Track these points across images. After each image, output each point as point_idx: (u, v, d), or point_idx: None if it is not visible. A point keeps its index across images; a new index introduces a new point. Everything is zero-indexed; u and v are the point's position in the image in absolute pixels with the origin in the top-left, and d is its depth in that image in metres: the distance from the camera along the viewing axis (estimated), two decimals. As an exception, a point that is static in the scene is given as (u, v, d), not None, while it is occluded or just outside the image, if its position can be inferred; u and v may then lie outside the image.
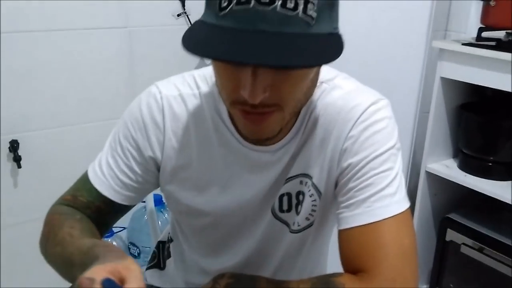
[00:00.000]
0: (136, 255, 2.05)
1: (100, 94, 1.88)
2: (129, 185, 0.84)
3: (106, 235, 1.93)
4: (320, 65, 0.63)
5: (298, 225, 0.86)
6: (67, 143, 1.85)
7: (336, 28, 0.65)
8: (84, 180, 0.85)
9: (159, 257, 1.09)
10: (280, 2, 0.57)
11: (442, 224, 1.71)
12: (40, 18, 1.70)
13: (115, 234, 2.00)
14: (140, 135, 0.82)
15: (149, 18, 1.94)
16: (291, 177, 0.82)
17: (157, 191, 0.94)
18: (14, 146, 1.72)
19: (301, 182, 0.82)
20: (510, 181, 1.58)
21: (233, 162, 0.82)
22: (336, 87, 0.79)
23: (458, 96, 1.68)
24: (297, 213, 0.85)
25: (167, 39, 2.00)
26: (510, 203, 1.46)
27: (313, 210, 0.84)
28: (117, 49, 1.89)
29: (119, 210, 0.87)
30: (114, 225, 1.97)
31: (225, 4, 0.59)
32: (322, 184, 0.81)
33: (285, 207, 0.84)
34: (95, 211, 0.84)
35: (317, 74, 0.71)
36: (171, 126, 0.81)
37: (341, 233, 0.76)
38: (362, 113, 0.76)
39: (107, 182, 0.83)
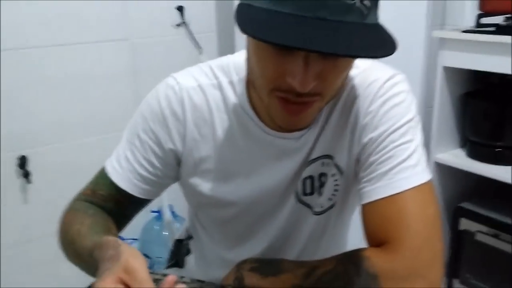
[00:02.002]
0: (149, 266, 2.04)
1: (105, 107, 1.90)
2: (148, 178, 0.83)
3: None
4: (387, 55, 0.60)
5: (321, 207, 0.86)
6: (75, 157, 1.86)
7: (378, 18, 0.66)
8: (102, 175, 0.85)
9: (177, 256, 1.09)
10: None
11: (455, 213, 1.70)
12: (44, 34, 1.72)
13: (127, 246, 1.99)
14: (160, 128, 0.81)
15: (150, 29, 1.98)
16: (313, 159, 0.82)
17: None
18: (23, 162, 1.73)
19: (323, 164, 0.82)
20: (520, 165, 1.58)
21: (257, 151, 0.82)
22: (352, 67, 0.81)
23: (462, 84, 1.69)
24: (320, 194, 0.85)
25: (168, 49, 2.04)
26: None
27: (335, 190, 0.85)
28: (120, 61, 1.92)
29: (138, 203, 0.86)
30: (126, 237, 1.99)
31: None
32: (344, 162, 0.82)
33: (308, 190, 0.84)
34: (115, 204, 0.84)
35: None
36: (191, 117, 0.81)
37: (364, 207, 0.75)
38: (380, 88, 0.77)
39: (126, 176, 0.83)
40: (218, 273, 0.92)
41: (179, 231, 1.46)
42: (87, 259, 0.70)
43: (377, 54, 0.59)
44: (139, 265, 0.59)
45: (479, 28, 1.52)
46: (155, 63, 2.00)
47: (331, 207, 0.87)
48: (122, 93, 1.94)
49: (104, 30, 1.85)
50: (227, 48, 2.14)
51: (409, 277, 0.68)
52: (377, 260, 0.69)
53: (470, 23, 1.61)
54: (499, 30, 1.49)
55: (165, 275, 0.84)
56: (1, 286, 1.76)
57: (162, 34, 2.01)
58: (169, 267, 1.10)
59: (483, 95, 1.66)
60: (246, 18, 0.60)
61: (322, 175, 0.84)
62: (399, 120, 0.75)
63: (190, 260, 1.04)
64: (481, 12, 1.53)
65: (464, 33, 1.52)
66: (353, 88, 0.79)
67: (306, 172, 0.83)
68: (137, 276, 0.58)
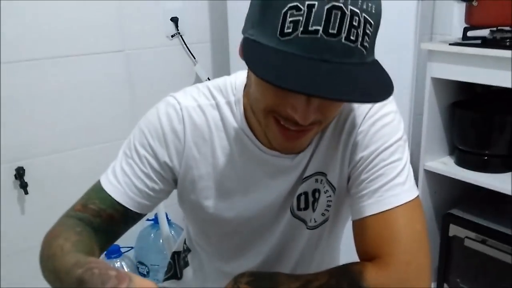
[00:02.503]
0: (145, 273, 2.06)
1: (102, 117, 1.93)
2: (145, 192, 0.84)
3: (114, 255, 1.96)
4: (385, 99, 0.64)
5: (315, 221, 0.89)
6: (72, 167, 1.88)
7: (374, 54, 0.69)
8: (97, 189, 0.84)
9: (175, 268, 1.11)
10: (345, 35, 0.60)
11: (444, 220, 1.74)
12: (39, 47, 1.74)
13: (123, 254, 2.02)
14: (158, 144, 0.83)
15: (145, 40, 2.00)
16: (307, 176, 0.85)
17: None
18: (20, 173, 1.75)
19: (316, 180, 0.86)
20: (506, 173, 1.62)
21: (254, 169, 0.84)
22: None
23: (450, 94, 1.74)
24: (314, 210, 0.88)
25: (163, 60, 2.06)
26: (509, 194, 1.50)
27: (328, 206, 0.88)
28: (116, 72, 1.94)
29: (131, 219, 0.85)
30: (121, 246, 2.00)
31: (289, 30, 0.60)
32: (336, 179, 0.85)
33: (302, 205, 0.88)
34: (106, 219, 0.82)
35: None
36: (191, 136, 0.83)
37: (355, 223, 0.79)
38: (370, 108, 0.81)
39: (122, 190, 0.83)
40: (215, 285, 0.95)
41: (174, 239, 1.49)
42: (63, 277, 0.65)
43: (377, 99, 0.63)
44: None
45: (466, 41, 1.56)
46: (150, 73, 2.03)
47: (324, 221, 0.90)
48: (117, 103, 1.96)
49: (99, 42, 1.87)
50: (221, 58, 2.17)
51: None
52: (369, 275, 0.72)
53: (458, 30, 1.65)
54: (485, 43, 1.53)
55: (164, 288, 0.87)
56: (0, 296, 1.77)
57: (157, 45, 2.03)
58: (167, 279, 1.12)
59: (470, 105, 1.71)
60: (256, 58, 0.62)
61: (316, 191, 0.87)
62: (388, 140, 0.79)
63: (188, 272, 1.07)
64: (468, 26, 1.57)
65: (451, 46, 1.56)
66: (344, 108, 0.82)
67: (301, 189, 0.86)
68: None
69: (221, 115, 0.84)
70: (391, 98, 0.82)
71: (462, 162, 1.72)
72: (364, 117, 0.81)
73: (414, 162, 1.86)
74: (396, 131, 0.80)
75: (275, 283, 0.78)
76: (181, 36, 2.08)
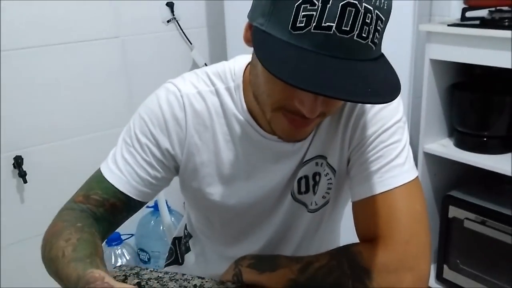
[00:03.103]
0: (146, 260, 2.08)
1: (98, 104, 1.92)
2: (147, 180, 0.84)
3: (115, 243, 1.96)
4: (391, 100, 0.63)
5: (316, 204, 0.90)
6: (70, 155, 1.88)
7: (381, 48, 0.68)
8: (98, 179, 0.84)
9: (176, 253, 1.12)
10: (357, 32, 0.59)
11: (444, 202, 1.75)
12: (35, 35, 1.73)
13: (123, 241, 2.03)
14: (160, 131, 0.82)
15: (140, 26, 1.99)
16: (307, 160, 0.85)
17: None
18: (18, 162, 1.75)
19: (316, 164, 0.86)
20: (505, 154, 1.62)
21: (256, 154, 0.84)
22: None
23: (448, 76, 1.73)
24: (314, 193, 0.88)
25: (159, 46, 2.05)
26: (509, 174, 1.50)
27: (328, 189, 0.88)
28: (112, 59, 1.93)
29: (133, 207, 0.86)
30: (122, 233, 2.01)
31: (302, 24, 0.59)
32: (336, 162, 0.85)
33: (303, 189, 0.88)
34: (108, 208, 0.83)
35: None
36: (192, 123, 0.83)
37: (355, 205, 0.79)
38: None
39: (124, 178, 0.82)
40: (217, 270, 0.96)
41: (174, 225, 1.49)
42: (66, 284, 0.70)
43: (386, 99, 0.61)
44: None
45: (464, 22, 1.55)
46: (146, 60, 2.02)
47: (324, 204, 0.90)
48: (114, 90, 1.95)
49: (95, 29, 1.86)
50: (217, 43, 2.16)
51: (399, 270, 0.72)
52: (368, 255, 0.73)
53: (457, 11, 1.64)
54: (483, 23, 1.52)
55: (166, 272, 0.87)
56: (1, 285, 1.78)
57: (153, 31, 2.02)
58: (168, 264, 1.13)
59: (469, 87, 1.70)
60: (267, 53, 0.61)
61: (316, 174, 0.87)
62: (388, 121, 0.79)
63: (189, 257, 1.07)
64: (466, 6, 1.56)
65: (449, 27, 1.55)
66: None
67: (301, 173, 0.86)
68: None
69: (221, 101, 0.83)
70: None
71: (461, 143, 1.72)
72: None
73: (414, 145, 1.86)
74: (395, 112, 0.80)
75: (275, 265, 0.79)
76: (177, 21, 2.06)
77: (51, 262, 0.75)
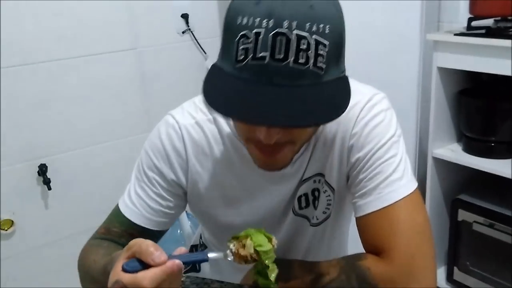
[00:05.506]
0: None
1: (117, 113, 1.99)
2: (160, 211, 0.89)
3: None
4: (330, 121, 0.68)
5: (317, 219, 0.94)
6: (91, 162, 1.95)
7: (343, 71, 0.70)
8: (116, 213, 0.90)
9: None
10: (292, 58, 0.62)
11: (453, 205, 1.78)
12: (59, 48, 1.81)
13: (143, 245, 2.08)
14: (163, 164, 0.87)
15: (156, 38, 2.05)
16: (306, 178, 0.89)
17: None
18: (42, 169, 1.82)
19: (315, 181, 0.90)
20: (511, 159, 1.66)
21: (256, 177, 0.88)
22: None
23: (456, 83, 1.76)
24: (315, 208, 0.92)
25: (175, 56, 2.11)
26: (515, 179, 1.54)
27: (328, 204, 0.92)
28: (129, 70, 2.00)
29: (153, 236, 0.89)
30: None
31: (242, 57, 0.64)
32: (334, 180, 0.89)
33: (303, 204, 0.92)
34: (129, 238, 0.86)
35: None
36: (192, 152, 0.87)
37: (358, 220, 0.83)
38: (361, 111, 0.83)
39: (138, 212, 0.88)
40: (231, 280, 1.01)
41: (192, 231, 1.55)
42: (101, 279, 0.73)
43: (321, 121, 0.66)
44: (141, 239, 0.62)
45: (470, 31, 1.59)
46: (163, 69, 2.08)
47: (326, 219, 0.94)
48: (132, 100, 2.02)
49: (112, 41, 1.93)
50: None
51: (406, 284, 0.75)
52: (376, 271, 0.76)
53: (465, 18, 1.67)
54: (489, 32, 1.56)
55: (188, 276, 0.93)
56: (32, 286, 1.86)
57: (168, 42, 2.08)
58: (186, 272, 1.18)
59: (476, 93, 1.73)
60: (211, 83, 0.68)
61: (315, 190, 0.91)
62: (382, 138, 0.81)
63: (205, 266, 1.13)
64: (472, 16, 1.59)
65: (456, 36, 1.59)
66: None
67: (301, 191, 0.90)
68: (142, 245, 0.60)
69: (219, 128, 0.87)
70: (381, 96, 0.85)
71: (469, 148, 1.76)
72: (356, 120, 0.83)
73: (423, 150, 1.91)
74: (388, 129, 0.82)
75: (290, 274, 0.82)
76: (191, 32, 2.12)
77: (87, 275, 0.82)
